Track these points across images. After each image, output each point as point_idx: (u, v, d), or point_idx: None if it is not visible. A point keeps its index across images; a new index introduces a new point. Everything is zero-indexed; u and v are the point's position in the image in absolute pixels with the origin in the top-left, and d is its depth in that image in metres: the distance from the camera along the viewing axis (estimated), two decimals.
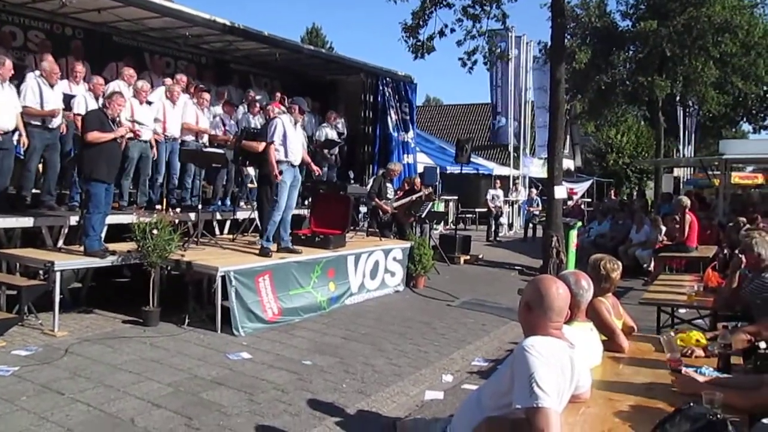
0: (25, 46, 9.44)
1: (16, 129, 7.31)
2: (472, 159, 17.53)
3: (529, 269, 12.37)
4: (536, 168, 23.89)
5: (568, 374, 2.50)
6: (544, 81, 18.51)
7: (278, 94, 11.51)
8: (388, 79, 13.42)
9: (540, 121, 22.12)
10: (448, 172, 19.97)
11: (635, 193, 34.67)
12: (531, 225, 18.75)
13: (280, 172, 7.67)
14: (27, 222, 7.13)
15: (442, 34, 12.91)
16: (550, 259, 11.48)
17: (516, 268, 12.78)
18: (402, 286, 9.70)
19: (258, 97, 11.18)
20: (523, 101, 22.08)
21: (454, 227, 17.36)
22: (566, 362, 2.49)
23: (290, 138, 7.77)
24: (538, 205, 19.26)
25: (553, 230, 11.66)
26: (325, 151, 11.54)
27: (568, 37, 13.68)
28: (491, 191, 19.08)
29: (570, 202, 20.74)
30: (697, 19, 17.45)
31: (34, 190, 7.89)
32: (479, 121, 32.01)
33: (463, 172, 17.38)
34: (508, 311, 8.43)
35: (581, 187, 26.19)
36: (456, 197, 19.55)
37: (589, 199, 26.48)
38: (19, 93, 7.40)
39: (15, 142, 7.43)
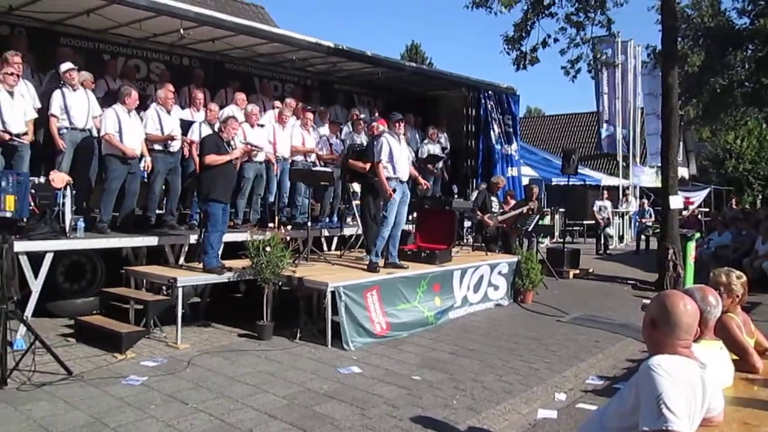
0: (148, 77, 10.18)
1: (142, 155, 7.86)
2: (578, 170, 17.01)
3: (644, 283, 11.81)
4: (648, 177, 22.81)
5: (699, 395, 2.35)
6: (655, 86, 17.70)
7: (376, 113, 11.73)
8: (490, 92, 13.35)
9: (651, 128, 21.15)
10: (553, 183, 19.48)
11: (759, 202, 32.29)
12: (643, 237, 17.90)
13: (394, 190, 7.77)
14: (152, 241, 7.63)
15: (545, 44, 12.70)
16: (667, 273, 10.94)
17: (629, 282, 12.24)
18: (506, 300, 9.54)
19: (362, 116, 11.43)
20: (632, 108, 21.18)
21: (561, 240, 16.88)
22: (697, 383, 2.34)
23: (396, 154, 7.86)
24: (650, 215, 18.36)
25: (669, 242, 11.10)
26: (430, 166, 11.60)
27: (680, 39, 13.04)
28: (598, 202, 18.41)
29: (685, 213, 19.65)
30: None
31: (158, 211, 8.45)
32: (584, 131, 31.11)
33: (570, 183, 16.90)
34: (623, 327, 8.08)
35: (698, 197, 24.74)
36: (563, 210, 19.02)
37: (707, 209, 24.95)
38: (142, 120, 7.96)
39: (141, 167, 7.99)
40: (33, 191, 6.42)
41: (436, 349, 6.88)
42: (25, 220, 5.83)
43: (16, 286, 5.74)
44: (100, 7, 8.14)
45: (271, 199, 9.46)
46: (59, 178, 6.91)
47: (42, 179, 6.87)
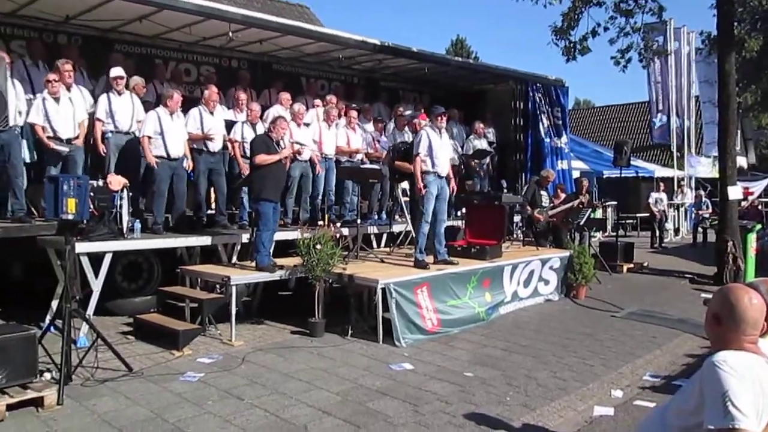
0: (198, 80, 10.38)
1: (185, 155, 8.02)
2: (631, 161, 16.59)
3: (702, 277, 11.45)
4: (704, 168, 22.07)
5: (767, 392, 2.27)
6: (710, 73, 17.16)
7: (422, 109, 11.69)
8: (538, 84, 13.16)
9: (707, 116, 20.50)
10: (604, 176, 19.06)
11: None
12: (701, 229, 17.37)
13: (425, 186, 7.73)
14: (206, 241, 7.79)
15: (594, 33, 12.40)
16: (726, 266, 10.60)
17: (686, 276, 11.88)
18: (556, 294, 9.40)
19: (407, 112, 11.40)
20: (687, 97, 20.53)
21: (614, 234, 16.51)
22: (765, 379, 2.25)
23: (436, 148, 7.81)
24: (707, 207, 17.79)
25: (728, 234, 10.75)
26: (475, 161, 11.51)
27: (736, 23, 12.54)
28: (654, 194, 17.91)
29: (745, 203, 18.94)
30: None
31: (209, 211, 8.62)
32: (636, 121, 30.27)
33: (622, 175, 16.50)
34: (681, 323, 7.87)
35: (758, 186, 23.79)
36: (615, 202, 18.60)
37: (767, 199, 24.01)
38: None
39: (185, 167, 8.14)
40: (92, 194, 6.63)
41: (488, 345, 6.83)
42: (85, 222, 6.03)
43: (78, 286, 5.95)
44: (152, 13, 8.35)
45: (320, 197, 9.53)
46: (116, 181, 7.12)
47: (100, 182, 7.09)
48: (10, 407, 4.53)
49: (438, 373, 5.76)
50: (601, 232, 16.67)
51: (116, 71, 7.90)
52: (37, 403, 4.67)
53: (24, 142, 7.38)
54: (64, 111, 7.40)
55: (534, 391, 5.32)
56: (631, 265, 12.55)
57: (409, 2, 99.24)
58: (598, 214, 16.60)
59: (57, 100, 7.33)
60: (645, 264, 12.88)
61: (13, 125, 6.99)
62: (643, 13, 12.23)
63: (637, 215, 20.13)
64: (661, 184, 19.03)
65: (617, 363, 6.22)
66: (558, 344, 6.89)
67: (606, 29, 12.42)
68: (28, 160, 7.53)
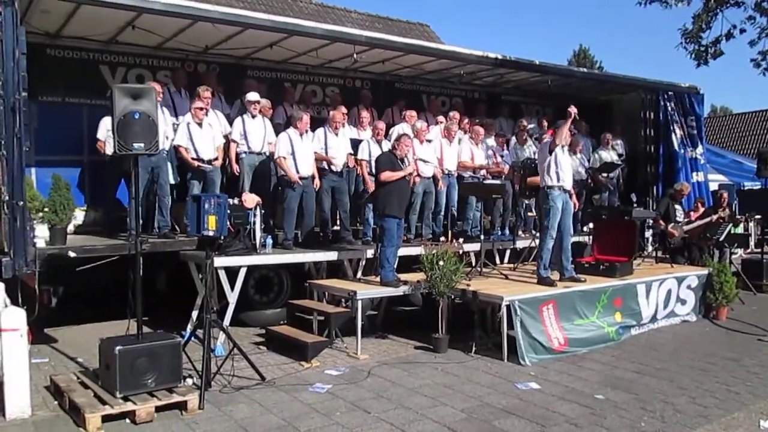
0: (324, 101, 10.80)
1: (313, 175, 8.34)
2: None
3: None
4: None
5: None
6: None
7: (545, 123, 11.45)
8: (669, 93, 12.50)
9: None
10: (746, 188, 17.70)
11: None
12: None
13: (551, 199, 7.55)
14: (332, 256, 8.04)
15: (729, 36, 11.60)
16: None
17: None
18: (693, 315, 8.81)
19: (530, 126, 11.21)
20: None
21: (758, 251, 15.24)
22: None
23: (561, 162, 7.61)
24: None
25: None
26: (603, 175, 11.09)
27: None
28: None
29: None
30: None
31: (335, 228, 8.90)
32: None
33: (766, 187, 15.24)
34: None
35: None
36: (759, 216, 17.19)
37: None
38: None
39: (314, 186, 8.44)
40: (228, 211, 7.05)
41: (619, 367, 6.52)
42: (222, 238, 6.42)
43: (215, 298, 6.33)
44: (282, 39, 8.80)
45: (442, 213, 9.56)
46: (250, 199, 7.53)
47: (236, 200, 7.52)
48: (158, 409, 4.89)
49: (566, 394, 5.57)
50: (743, 248, 15.44)
51: (252, 96, 8.42)
52: (182, 406, 5.01)
53: (169, 165, 8.02)
54: (206, 134, 8.01)
55: (671, 418, 5.01)
56: None
57: (529, 14, 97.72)
58: (740, 229, 15.43)
59: (200, 124, 7.97)
60: None
61: (161, 149, 7.61)
62: None
63: None
64: None
65: (766, 391, 5.73)
66: (697, 368, 6.45)
67: (743, 31, 11.59)
68: (172, 182, 8.15)
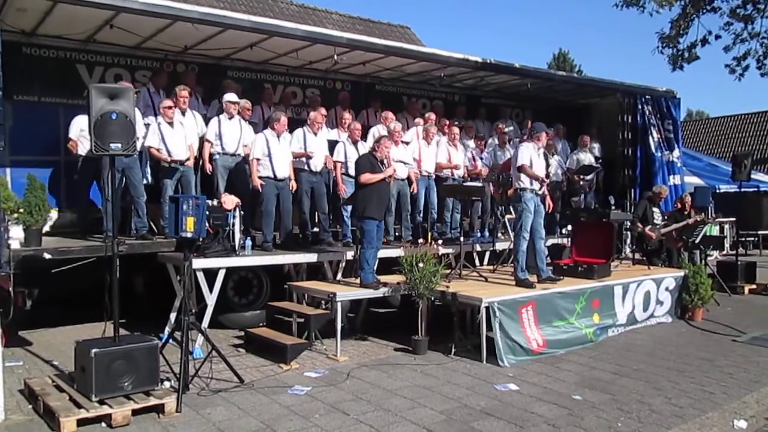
0: (304, 102, 10.78)
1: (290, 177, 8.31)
2: (751, 175, 15.53)
3: None
4: None
5: None
6: None
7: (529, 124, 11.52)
8: (647, 96, 12.66)
9: None
10: (721, 191, 17.95)
11: None
12: None
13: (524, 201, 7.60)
14: (312, 258, 8.02)
15: (705, 41, 11.81)
16: None
17: None
18: (669, 317, 8.92)
19: (508, 129, 11.28)
20: None
21: (733, 253, 15.48)
22: None
23: (535, 165, 7.68)
24: None
25: None
26: (580, 176, 11.19)
27: None
28: None
29: None
30: None
31: (314, 229, 8.87)
32: (755, 133, 28.41)
33: (741, 190, 15.48)
34: None
35: None
36: (733, 219, 17.45)
37: None
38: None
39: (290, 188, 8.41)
40: (207, 213, 7.00)
41: (597, 368, 6.57)
42: (201, 239, 6.37)
43: (194, 300, 6.28)
44: (262, 40, 8.76)
45: (420, 215, 9.58)
46: (230, 201, 7.49)
47: (215, 202, 7.47)
48: (135, 412, 4.84)
49: (544, 395, 5.61)
50: (718, 250, 15.66)
51: (230, 96, 8.37)
52: (159, 409, 4.96)
53: (140, 165, 7.92)
54: (177, 134, 7.95)
55: (647, 418, 5.07)
56: (754, 286, 11.71)
57: (509, 17, 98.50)
58: (715, 231, 15.66)
59: (171, 124, 7.92)
60: None
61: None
62: (763, 17, 11.52)
63: (759, 232, 18.77)
64: None
65: (740, 391, 5.81)
66: (673, 369, 6.53)
67: (718, 37, 11.80)
68: (146, 182, 8.07)
